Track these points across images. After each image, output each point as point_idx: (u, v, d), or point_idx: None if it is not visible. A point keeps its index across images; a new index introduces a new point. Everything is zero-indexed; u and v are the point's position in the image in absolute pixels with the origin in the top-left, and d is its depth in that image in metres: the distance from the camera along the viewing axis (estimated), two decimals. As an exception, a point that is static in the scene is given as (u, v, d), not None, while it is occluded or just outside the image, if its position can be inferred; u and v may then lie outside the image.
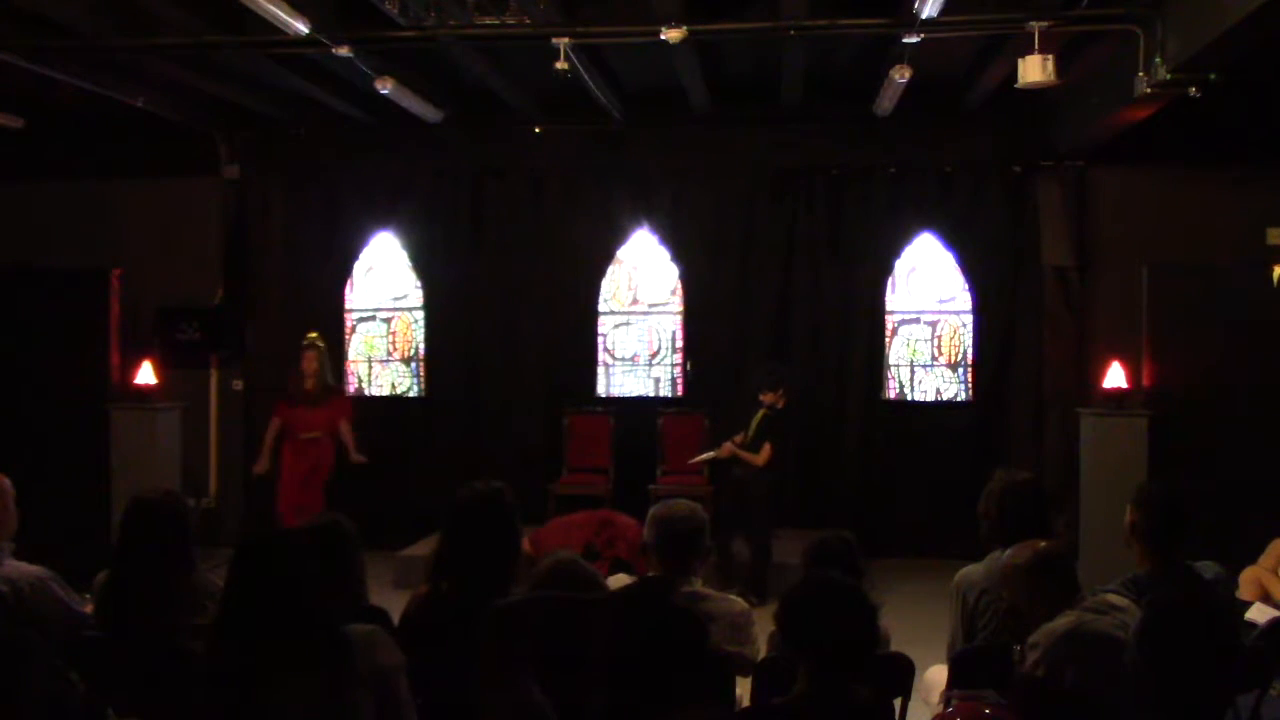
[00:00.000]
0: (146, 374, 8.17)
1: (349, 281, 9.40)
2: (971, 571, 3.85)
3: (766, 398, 7.55)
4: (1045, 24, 5.91)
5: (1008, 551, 3.44)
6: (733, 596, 3.69)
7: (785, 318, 8.87)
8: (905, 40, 6.24)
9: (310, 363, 7.84)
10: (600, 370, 9.24)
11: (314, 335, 8.03)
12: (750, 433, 7.58)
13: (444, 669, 2.99)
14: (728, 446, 7.66)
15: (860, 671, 2.74)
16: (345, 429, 7.90)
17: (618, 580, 3.70)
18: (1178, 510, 3.50)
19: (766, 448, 7.44)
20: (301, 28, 5.90)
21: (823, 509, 8.41)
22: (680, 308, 9.19)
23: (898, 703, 3.51)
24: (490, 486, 3.43)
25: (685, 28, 6.18)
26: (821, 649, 2.68)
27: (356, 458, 7.87)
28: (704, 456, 7.99)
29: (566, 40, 6.28)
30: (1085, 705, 2.90)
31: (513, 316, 9.09)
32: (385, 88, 7.14)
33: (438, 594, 3.34)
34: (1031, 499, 3.87)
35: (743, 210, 8.93)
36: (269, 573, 2.45)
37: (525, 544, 7.10)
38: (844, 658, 2.68)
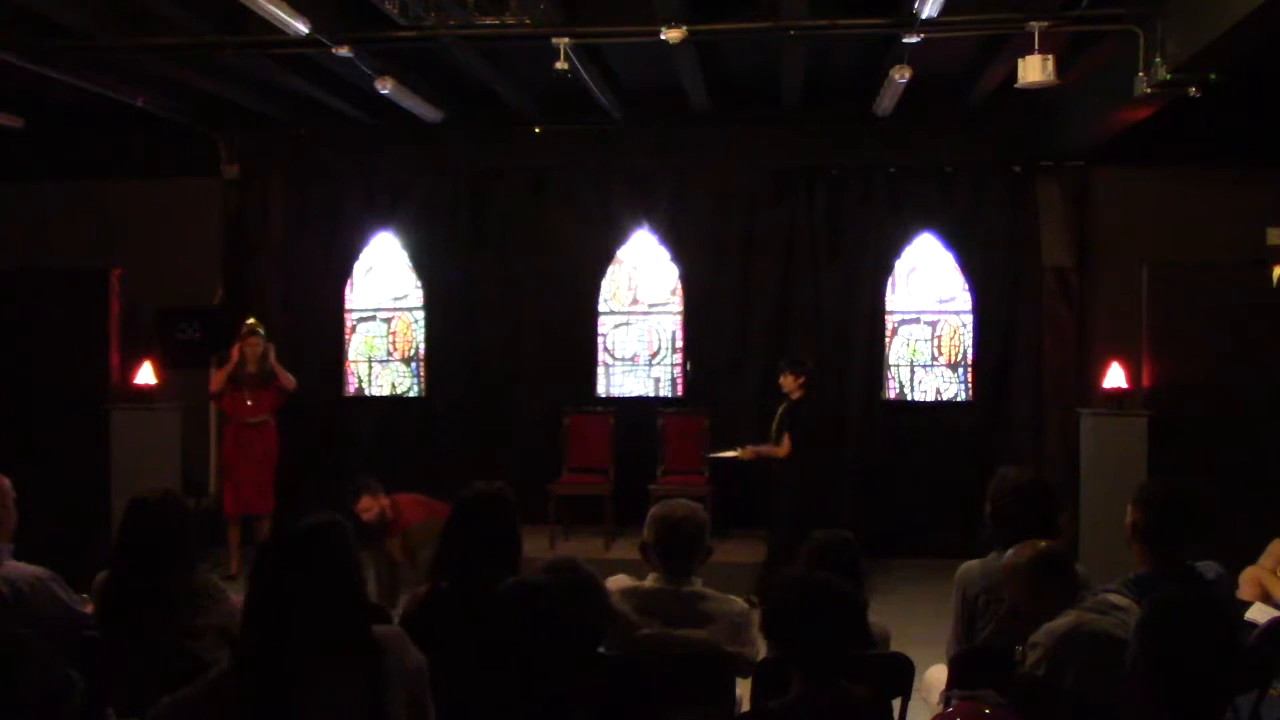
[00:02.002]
0: (146, 374, 8.17)
1: (349, 281, 9.40)
2: (973, 567, 3.84)
3: (786, 381, 7.43)
4: (1045, 24, 5.92)
5: (1008, 552, 3.44)
6: (733, 597, 3.68)
7: (785, 318, 8.87)
8: (905, 40, 6.25)
9: (255, 347, 8.05)
10: (600, 370, 9.24)
11: (253, 321, 8.27)
12: (773, 430, 7.51)
13: (445, 668, 2.99)
14: (750, 449, 7.58)
15: (851, 669, 2.74)
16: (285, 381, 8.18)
17: (617, 582, 3.69)
18: (1179, 510, 3.49)
19: (786, 439, 7.35)
20: (301, 28, 5.90)
21: (823, 509, 8.40)
22: (680, 308, 9.19)
23: (897, 703, 3.51)
24: (491, 486, 3.44)
25: (685, 28, 6.19)
26: (807, 649, 2.68)
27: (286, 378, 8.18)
28: (724, 454, 7.86)
29: (566, 40, 6.29)
30: (1086, 705, 2.90)
31: (513, 316, 9.09)
32: (385, 88, 7.14)
33: (438, 593, 3.35)
34: (1038, 498, 3.84)
35: (743, 210, 8.93)
36: (301, 568, 2.40)
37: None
38: (831, 656, 2.68)
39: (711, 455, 8.07)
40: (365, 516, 6.45)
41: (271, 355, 8.17)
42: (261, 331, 8.19)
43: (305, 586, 2.35)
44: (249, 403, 8.05)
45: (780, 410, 7.50)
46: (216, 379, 8.18)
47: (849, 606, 2.79)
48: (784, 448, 7.36)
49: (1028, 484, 3.88)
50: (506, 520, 3.39)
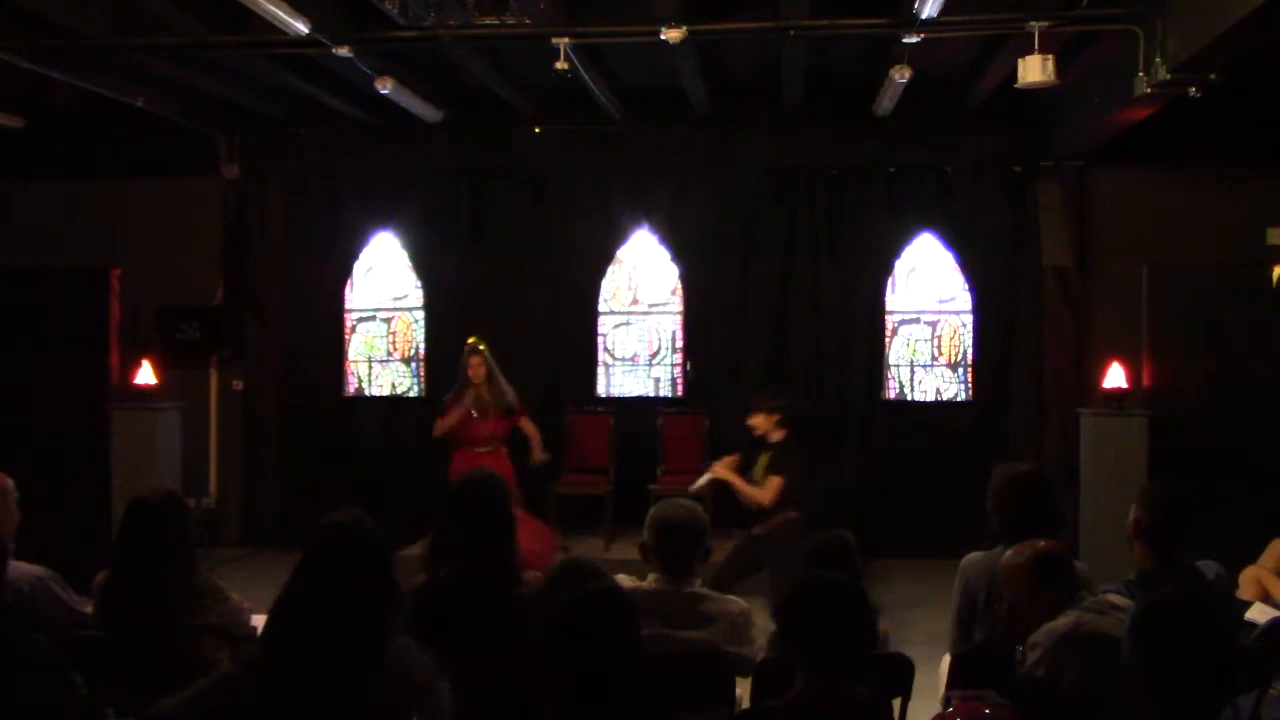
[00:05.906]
0: (146, 374, 8.16)
1: (349, 281, 9.40)
2: (976, 560, 3.84)
3: (757, 422, 6.39)
4: (1045, 24, 5.92)
5: (1008, 551, 3.44)
6: (732, 597, 3.68)
7: (785, 317, 8.87)
8: (905, 40, 6.25)
9: (478, 368, 7.33)
10: (600, 370, 9.24)
11: (474, 339, 7.49)
12: (757, 469, 6.43)
13: (445, 658, 2.99)
14: (722, 471, 6.44)
15: (858, 671, 2.74)
16: (527, 426, 7.57)
17: (617, 582, 3.68)
18: (1182, 509, 3.50)
19: (774, 481, 6.23)
20: (301, 28, 5.91)
21: (823, 509, 8.39)
22: (680, 308, 9.19)
23: (897, 703, 3.51)
24: (485, 474, 3.47)
25: (685, 28, 6.19)
26: (821, 648, 2.68)
27: (540, 457, 7.55)
28: (699, 485, 6.67)
29: (566, 40, 6.29)
30: (1085, 705, 2.89)
31: (513, 316, 9.08)
32: (385, 88, 7.15)
33: (436, 582, 3.36)
34: (1037, 490, 3.83)
35: (743, 210, 8.93)
36: (335, 577, 2.37)
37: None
38: (842, 657, 2.68)
39: (692, 489, 6.53)
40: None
41: (501, 380, 7.40)
42: (483, 348, 7.39)
43: (333, 597, 2.33)
44: (479, 429, 7.26)
45: (770, 456, 6.39)
46: (441, 425, 7.31)
47: (865, 607, 2.80)
48: (768, 491, 6.23)
49: (1023, 477, 3.87)
50: (501, 507, 3.42)
